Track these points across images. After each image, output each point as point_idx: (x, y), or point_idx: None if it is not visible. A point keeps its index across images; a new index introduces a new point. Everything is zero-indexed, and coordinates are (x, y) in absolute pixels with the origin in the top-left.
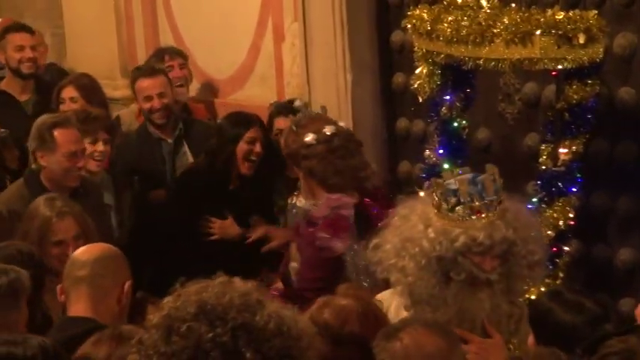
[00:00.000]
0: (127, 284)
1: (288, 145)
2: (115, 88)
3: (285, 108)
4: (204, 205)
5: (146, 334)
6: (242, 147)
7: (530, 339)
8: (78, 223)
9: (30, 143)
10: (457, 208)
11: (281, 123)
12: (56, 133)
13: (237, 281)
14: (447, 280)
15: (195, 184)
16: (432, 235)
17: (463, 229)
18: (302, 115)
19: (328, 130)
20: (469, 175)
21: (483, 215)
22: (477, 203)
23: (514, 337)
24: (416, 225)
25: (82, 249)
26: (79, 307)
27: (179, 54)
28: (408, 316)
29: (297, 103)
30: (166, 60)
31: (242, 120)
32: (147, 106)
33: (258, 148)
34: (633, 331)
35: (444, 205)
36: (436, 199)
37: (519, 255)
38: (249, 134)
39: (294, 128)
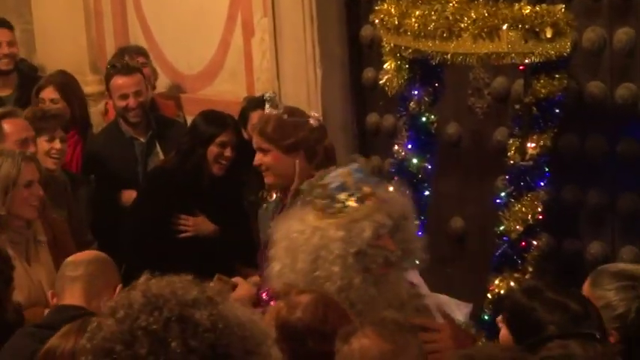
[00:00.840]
0: (119, 287)
1: (291, 134)
2: (85, 84)
3: (261, 102)
4: (175, 204)
5: (97, 321)
6: (213, 150)
7: (503, 332)
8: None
9: None
10: (349, 203)
11: (257, 117)
12: (4, 124)
13: (197, 281)
14: (366, 273)
15: (166, 183)
16: (340, 234)
17: (364, 218)
18: (278, 105)
19: (315, 114)
20: (346, 168)
21: (373, 199)
22: (366, 189)
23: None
24: (315, 234)
25: (75, 255)
26: (72, 299)
27: (140, 53)
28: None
29: (268, 95)
30: (127, 59)
31: (216, 121)
32: (122, 104)
33: (228, 152)
34: (577, 336)
35: (336, 205)
36: (320, 204)
37: (408, 230)
38: (222, 138)
39: (285, 117)
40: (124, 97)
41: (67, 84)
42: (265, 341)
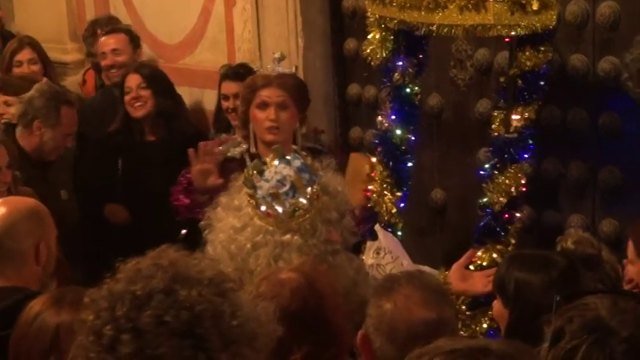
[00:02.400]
0: (42, 245)
1: (307, 98)
2: (65, 52)
3: (234, 73)
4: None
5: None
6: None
7: (497, 305)
8: (8, 153)
9: None
10: (300, 205)
11: (226, 88)
12: None
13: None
14: None
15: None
16: (296, 241)
17: (315, 219)
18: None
19: None
20: (290, 169)
21: (319, 196)
22: (314, 189)
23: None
24: (266, 243)
25: None
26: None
27: (111, 24)
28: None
29: (278, 55)
30: (99, 34)
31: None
32: (102, 63)
33: (134, 93)
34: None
35: (287, 210)
36: (273, 211)
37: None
38: (127, 83)
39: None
40: (103, 55)
41: (38, 44)
42: (253, 343)
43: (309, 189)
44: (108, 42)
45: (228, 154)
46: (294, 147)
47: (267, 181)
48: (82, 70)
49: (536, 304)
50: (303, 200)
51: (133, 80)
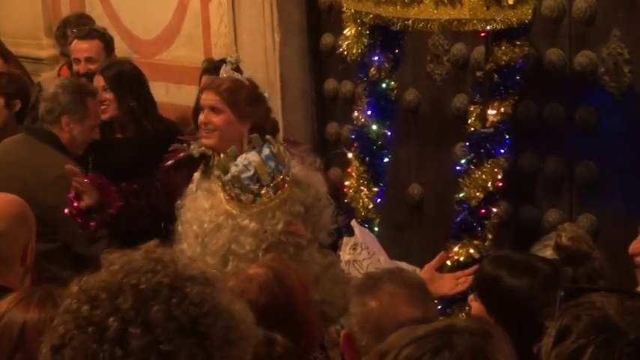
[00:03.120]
0: (30, 247)
1: (249, 102)
2: (40, 47)
3: (215, 67)
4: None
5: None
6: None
7: (475, 307)
8: None
9: None
10: (263, 192)
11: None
12: None
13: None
14: None
15: None
16: (253, 226)
17: (277, 208)
18: (239, 70)
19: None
20: (258, 156)
21: (287, 186)
22: (280, 178)
23: (338, 285)
24: (227, 222)
25: None
26: None
27: (81, 23)
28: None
29: (231, 58)
30: (69, 34)
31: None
32: (75, 68)
33: (102, 95)
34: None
35: (249, 195)
36: (233, 193)
37: (319, 210)
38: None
39: (247, 83)
40: (76, 61)
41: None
42: (248, 340)
43: (274, 178)
44: (81, 47)
45: (193, 152)
46: (267, 137)
47: (236, 166)
48: (57, 66)
49: (521, 310)
50: (266, 187)
51: (98, 82)
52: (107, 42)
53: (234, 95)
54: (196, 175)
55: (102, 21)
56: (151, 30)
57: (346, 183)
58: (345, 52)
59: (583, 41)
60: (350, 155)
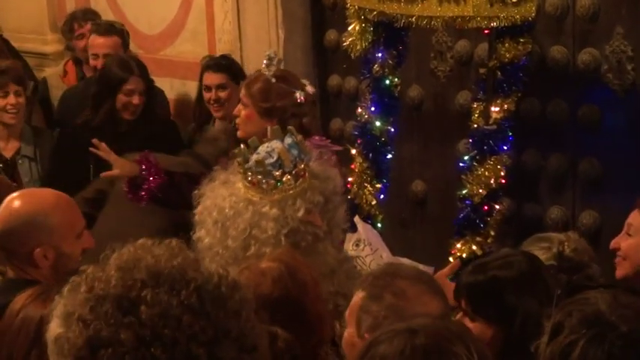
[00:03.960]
0: (37, 251)
1: (271, 99)
2: (45, 43)
3: (216, 64)
4: (84, 165)
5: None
6: (120, 99)
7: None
8: None
9: None
10: (285, 179)
11: (208, 79)
12: None
13: (155, 242)
14: (296, 248)
15: (73, 145)
16: (274, 212)
17: (298, 195)
18: (274, 66)
19: (310, 89)
20: (281, 144)
21: (307, 175)
22: (301, 166)
23: (352, 280)
24: (247, 209)
25: None
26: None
27: (88, 18)
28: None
29: (269, 53)
30: (76, 28)
31: (122, 68)
32: (93, 63)
33: (136, 100)
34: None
35: (271, 181)
36: (255, 179)
37: (334, 205)
38: (128, 85)
39: (273, 80)
40: (95, 57)
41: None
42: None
43: (296, 165)
44: (100, 43)
45: None
46: (289, 127)
47: (257, 154)
48: (62, 62)
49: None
50: (288, 175)
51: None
52: (125, 38)
53: (256, 91)
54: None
55: (106, 16)
56: (155, 25)
57: (349, 179)
58: (349, 49)
59: (586, 39)
60: (353, 151)
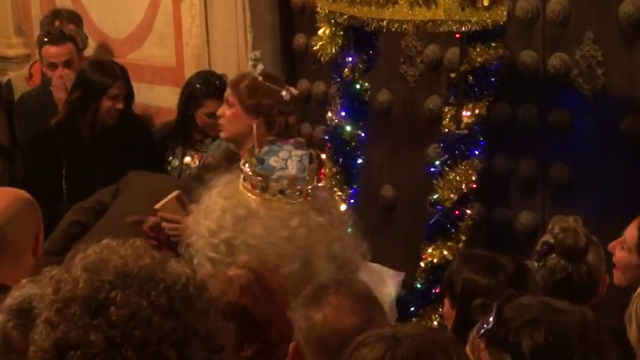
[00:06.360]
0: (40, 236)
1: (258, 96)
2: (9, 46)
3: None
4: (56, 167)
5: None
6: (106, 103)
7: (446, 304)
8: None
9: None
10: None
11: (211, 106)
12: None
13: (119, 243)
14: None
15: (44, 147)
16: (320, 220)
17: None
18: (258, 67)
19: (294, 90)
20: (298, 154)
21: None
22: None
23: None
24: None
25: None
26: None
27: (72, 20)
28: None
29: (255, 54)
30: (57, 25)
31: (107, 71)
32: (50, 73)
33: (119, 104)
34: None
35: (296, 194)
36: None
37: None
38: (113, 90)
39: (260, 79)
40: (53, 66)
41: None
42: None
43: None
44: (56, 52)
45: None
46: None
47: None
48: (26, 65)
49: None
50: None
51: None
52: (76, 43)
53: (243, 88)
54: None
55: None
56: (122, 29)
57: (319, 184)
58: (319, 53)
59: (556, 43)
60: (323, 156)
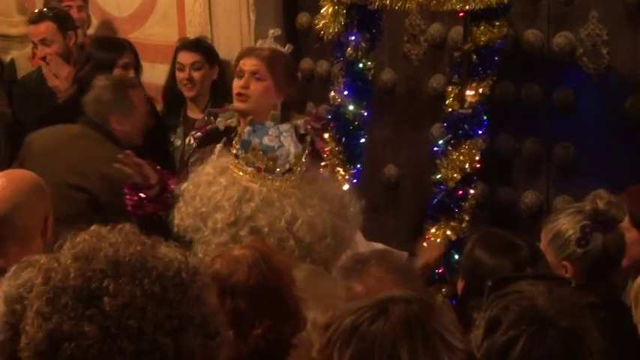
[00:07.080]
0: (50, 219)
1: (292, 75)
2: (12, 25)
3: (191, 43)
4: None
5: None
6: (117, 73)
7: (459, 284)
8: None
9: None
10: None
11: (183, 57)
12: None
13: (108, 229)
14: None
15: (64, 118)
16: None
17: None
18: (287, 46)
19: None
20: (285, 128)
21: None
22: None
23: None
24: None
25: None
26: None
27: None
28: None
29: (273, 31)
30: (64, 0)
31: (113, 45)
32: (36, 52)
33: (132, 73)
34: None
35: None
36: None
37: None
38: (123, 60)
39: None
40: (35, 45)
41: None
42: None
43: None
44: (34, 32)
45: (228, 123)
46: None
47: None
48: (29, 44)
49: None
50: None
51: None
52: (61, 22)
53: (273, 63)
54: (219, 146)
55: None
56: (124, 8)
57: (322, 164)
58: (322, 32)
59: (561, 22)
60: (326, 135)
